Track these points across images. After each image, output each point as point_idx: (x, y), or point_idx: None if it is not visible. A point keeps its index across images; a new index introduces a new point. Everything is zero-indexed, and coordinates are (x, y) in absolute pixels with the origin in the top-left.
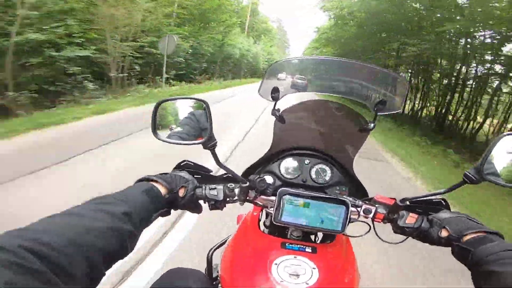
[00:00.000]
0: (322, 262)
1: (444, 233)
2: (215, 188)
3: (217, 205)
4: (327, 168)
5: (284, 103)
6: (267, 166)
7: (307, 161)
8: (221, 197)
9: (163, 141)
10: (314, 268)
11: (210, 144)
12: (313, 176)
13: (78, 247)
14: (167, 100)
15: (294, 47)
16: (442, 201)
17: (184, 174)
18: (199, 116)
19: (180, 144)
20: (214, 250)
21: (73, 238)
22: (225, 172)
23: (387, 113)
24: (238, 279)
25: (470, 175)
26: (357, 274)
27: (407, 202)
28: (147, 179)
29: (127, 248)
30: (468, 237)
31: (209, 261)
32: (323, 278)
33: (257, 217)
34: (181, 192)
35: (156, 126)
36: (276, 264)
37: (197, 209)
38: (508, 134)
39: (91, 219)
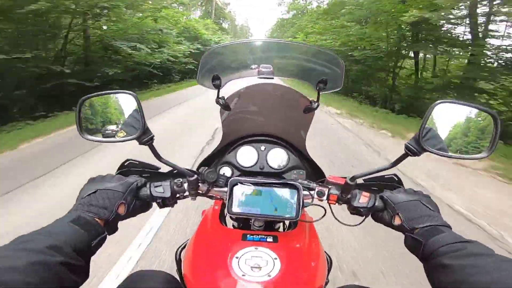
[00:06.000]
0: (283, 251)
1: (397, 221)
2: (161, 185)
3: (166, 202)
4: (283, 153)
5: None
6: (224, 157)
7: (262, 147)
8: (168, 193)
9: (91, 140)
10: (275, 259)
11: (145, 139)
12: (270, 162)
13: None
14: (92, 97)
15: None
16: (394, 177)
17: (123, 181)
18: (131, 110)
19: (112, 142)
20: (182, 249)
21: None
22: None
23: (329, 91)
24: (200, 276)
25: (411, 146)
26: (323, 259)
27: (357, 181)
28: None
29: (68, 280)
30: (419, 228)
31: (178, 260)
32: (285, 268)
33: (218, 210)
34: (121, 210)
35: (81, 125)
36: (237, 257)
37: (146, 209)
38: (440, 102)
39: (11, 258)
